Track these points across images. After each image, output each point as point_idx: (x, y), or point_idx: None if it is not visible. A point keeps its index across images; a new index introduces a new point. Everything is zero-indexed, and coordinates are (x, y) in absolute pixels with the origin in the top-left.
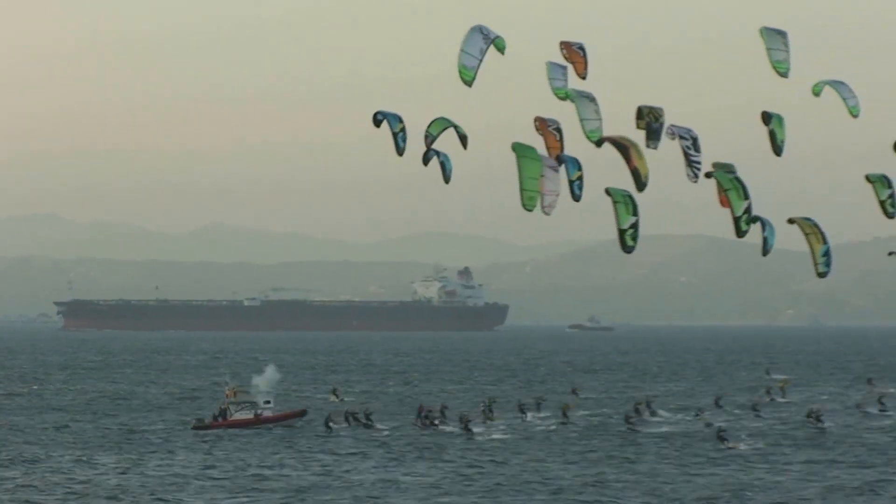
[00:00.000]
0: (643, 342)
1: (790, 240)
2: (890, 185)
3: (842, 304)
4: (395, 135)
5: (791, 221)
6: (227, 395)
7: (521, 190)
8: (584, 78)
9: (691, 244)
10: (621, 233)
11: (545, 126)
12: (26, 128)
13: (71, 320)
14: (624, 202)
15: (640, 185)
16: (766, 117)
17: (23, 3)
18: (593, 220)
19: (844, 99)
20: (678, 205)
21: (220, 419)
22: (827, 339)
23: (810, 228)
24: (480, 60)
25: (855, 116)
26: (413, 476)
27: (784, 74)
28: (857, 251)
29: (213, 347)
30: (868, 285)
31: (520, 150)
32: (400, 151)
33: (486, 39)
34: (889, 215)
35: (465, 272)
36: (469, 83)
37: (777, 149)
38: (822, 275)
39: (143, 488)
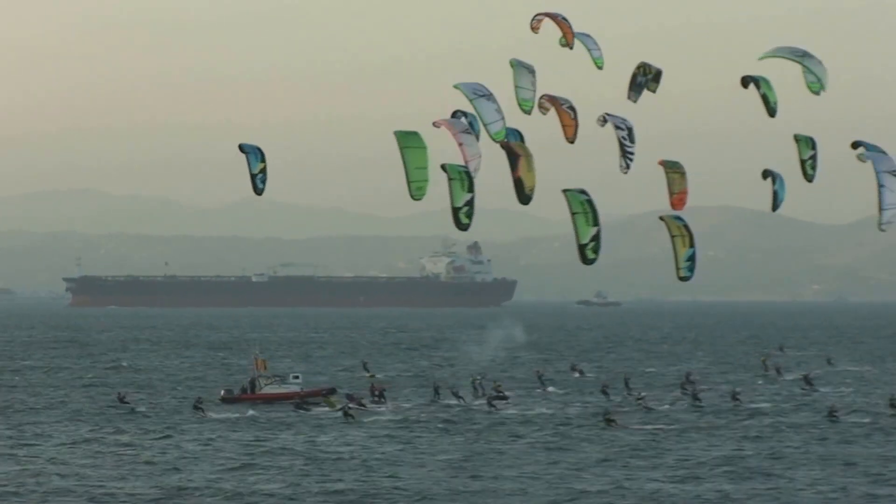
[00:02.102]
0: (643, 317)
1: (817, 212)
2: (814, 147)
3: (866, 279)
4: (253, 176)
5: (661, 219)
6: (255, 367)
7: (409, 182)
8: (571, 47)
9: (720, 216)
10: (581, 247)
11: (558, 104)
12: (59, 102)
13: (78, 297)
14: (583, 212)
15: (524, 197)
16: (747, 81)
17: None
18: (622, 197)
19: (811, 72)
20: (707, 176)
21: (248, 392)
22: (845, 314)
23: (678, 230)
24: (534, 91)
25: (815, 93)
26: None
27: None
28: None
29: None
30: (892, 260)
31: (403, 139)
32: (258, 192)
33: (532, 73)
34: (808, 178)
35: (475, 247)
36: (529, 112)
37: (771, 111)
38: (683, 279)
39: (183, 459)
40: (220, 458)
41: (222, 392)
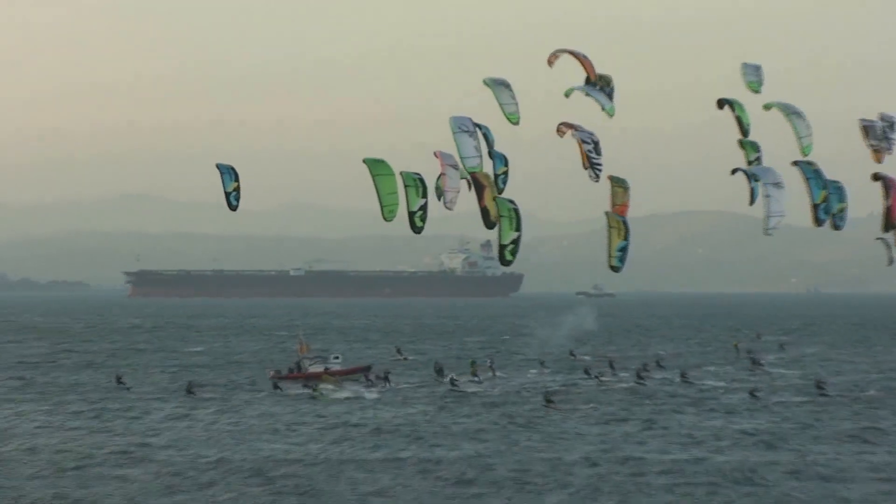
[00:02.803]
0: (631, 307)
1: (796, 216)
2: (758, 150)
3: (838, 274)
4: (227, 194)
5: (606, 213)
6: (299, 351)
7: (382, 206)
8: (595, 84)
9: (713, 220)
10: (501, 248)
11: (581, 142)
12: (117, 103)
13: (136, 289)
14: (509, 217)
15: (489, 223)
16: (723, 103)
17: None
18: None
19: (800, 137)
20: (703, 183)
21: (295, 371)
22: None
23: (616, 223)
24: (516, 104)
25: (806, 155)
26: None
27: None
28: (853, 225)
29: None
30: (860, 258)
31: (372, 167)
32: (231, 208)
33: (509, 87)
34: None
35: (487, 245)
36: (517, 123)
37: (744, 131)
38: (613, 268)
39: (235, 430)
40: (288, 429)
41: (272, 372)
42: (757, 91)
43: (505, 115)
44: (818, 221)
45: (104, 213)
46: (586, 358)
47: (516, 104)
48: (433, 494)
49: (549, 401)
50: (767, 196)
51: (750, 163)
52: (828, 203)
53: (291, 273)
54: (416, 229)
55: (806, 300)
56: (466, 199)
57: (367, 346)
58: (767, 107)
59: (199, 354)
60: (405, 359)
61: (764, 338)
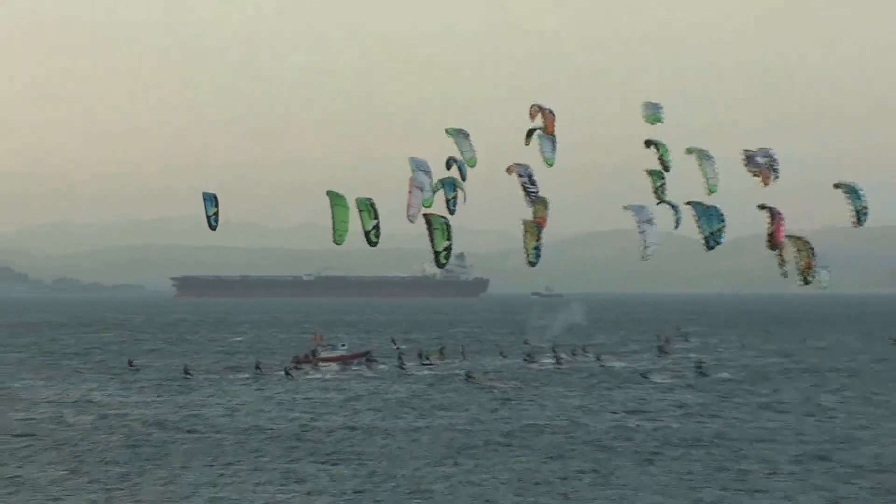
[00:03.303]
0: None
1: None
2: (661, 178)
3: (756, 277)
4: (208, 217)
5: (523, 221)
6: (315, 340)
7: (334, 230)
8: (552, 135)
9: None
10: (436, 254)
11: (518, 175)
12: (131, 136)
13: (180, 291)
14: (441, 229)
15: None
16: (649, 143)
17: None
18: (581, 215)
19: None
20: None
21: (311, 357)
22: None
23: (530, 228)
24: (474, 150)
25: (711, 193)
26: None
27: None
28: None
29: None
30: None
31: (333, 198)
32: (212, 228)
33: (467, 136)
34: (660, 198)
35: (461, 256)
36: (475, 165)
37: (666, 167)
38: (531, 264)
39: (266, 402)
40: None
41: (293, 357)
42: (654, 123)
43: (466, 160)
44: (708, 247)
45: (158, 230)
46: (540, 346)
47: (473, 150)
48: (425, 453)
49: (469, 376)
50: (643, 231)
51: (656, 189)
52: (716, 235)
53: (304, 278)
54: (372, 244)
55: (728, 299)
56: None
57: (369, 337)
58: (689, 151)
59: (240, 343)
60: (397, 347)
61: (682, 329)
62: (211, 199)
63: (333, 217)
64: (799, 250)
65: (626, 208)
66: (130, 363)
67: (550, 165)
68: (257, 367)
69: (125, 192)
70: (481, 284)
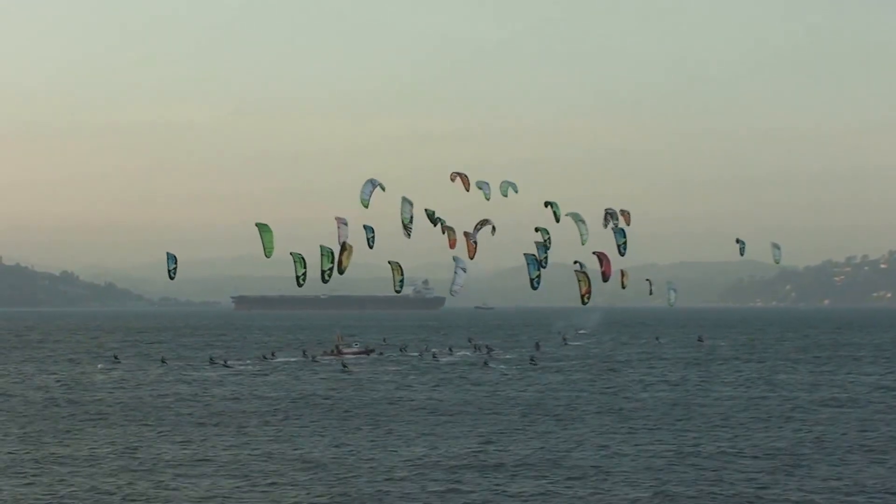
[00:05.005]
0: (505, 316)
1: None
2: (547, 233)
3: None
4: (168, 270)
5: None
6: (336, 340)
7: (265, 248)
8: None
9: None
10: (322, 272)
11: (467, 238)
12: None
13: (238, 306)
14: (328, 256)
15: (323, 280)
16: (546, 203)
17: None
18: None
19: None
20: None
21: (334, 351)
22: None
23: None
24: (412, 213)
25: (583, 244)
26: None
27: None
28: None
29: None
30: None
31: (260, 227)
32: (171, 279)
33: (411, 203)
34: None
35: (426, 281)
36: (408, 223)
37: (556, 220)
38: (534, 288)
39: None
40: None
41: (321, 352)
42: (505, 195)
43: (401, 217)
44: (534, 288)
45: (234, 264)
46: (481, 343)
47: (412, 213)
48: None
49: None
50: (456, 273)
51: (544, 241)
52: (533, 281)
53: (321, 297)
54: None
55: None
56: (414, 255)
57: (370, 337)
58: (570, 214)
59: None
60: (475, 345)
61: (580, 331)
62: (172, 259)
63: (263, 240)
64: (581, 281)
65: (454, 259)
66: (225, 363)
67: (505, 195)
68: (313, 358)
69: (212, 237)
70: (439, 301)
